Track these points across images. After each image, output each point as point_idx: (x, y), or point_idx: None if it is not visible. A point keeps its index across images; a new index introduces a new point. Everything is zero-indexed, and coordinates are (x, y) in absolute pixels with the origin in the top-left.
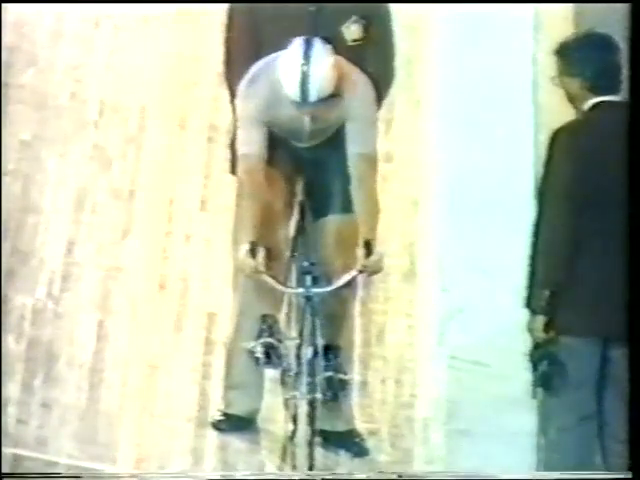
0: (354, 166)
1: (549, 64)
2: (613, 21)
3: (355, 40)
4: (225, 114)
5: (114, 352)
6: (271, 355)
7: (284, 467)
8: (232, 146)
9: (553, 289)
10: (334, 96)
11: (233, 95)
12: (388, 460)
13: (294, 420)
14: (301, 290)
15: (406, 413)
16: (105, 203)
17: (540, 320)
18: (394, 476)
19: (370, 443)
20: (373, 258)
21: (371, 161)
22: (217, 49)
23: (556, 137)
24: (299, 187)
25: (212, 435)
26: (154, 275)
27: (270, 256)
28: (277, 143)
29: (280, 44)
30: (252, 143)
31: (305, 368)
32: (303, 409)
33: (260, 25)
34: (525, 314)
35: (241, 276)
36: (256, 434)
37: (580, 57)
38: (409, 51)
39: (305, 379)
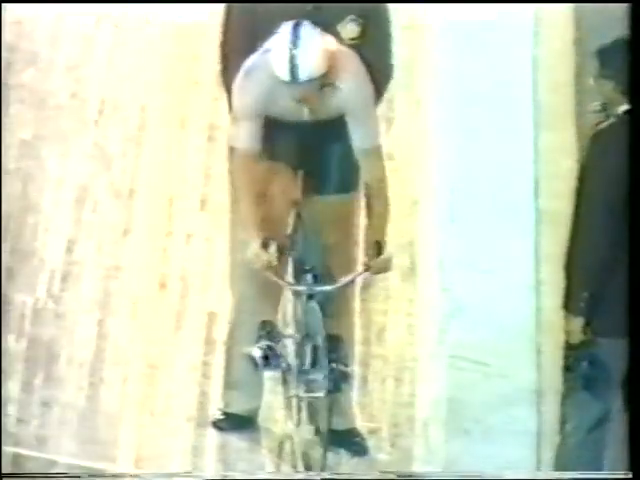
0: (364, 165)
1: (549, 65)
2: (613, 21)
3: (352, 39)
4: (225, 114)
5: (114, 351)
6: (270, 358)
7: (284, 466)
8: None
9: (592, 291)
10: (330, 84)
11: (230, 94)
12: (388, 459)
13: (294, 419)
14: (304, 288)
15: (406, 412)
16: (105, 202)
17: (579, 322)
18: (394, 476)
19: (370, 442)
20: (382, 258)
21: (378, 155)
22: (217, 49)
23: (595, 140)
24: (299, 178)
25: (212, 434)
26: (154, 275)
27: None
28: (276, 133)
29: None
30: (248, 137)
31: (306, 367)
32: (303, 408)
33: (258, 24)
34: (525, 314)
35: (239, 275)
36: (256, 433)
37: (615, 61)
38: (409, 51)
39: (306, 378)
